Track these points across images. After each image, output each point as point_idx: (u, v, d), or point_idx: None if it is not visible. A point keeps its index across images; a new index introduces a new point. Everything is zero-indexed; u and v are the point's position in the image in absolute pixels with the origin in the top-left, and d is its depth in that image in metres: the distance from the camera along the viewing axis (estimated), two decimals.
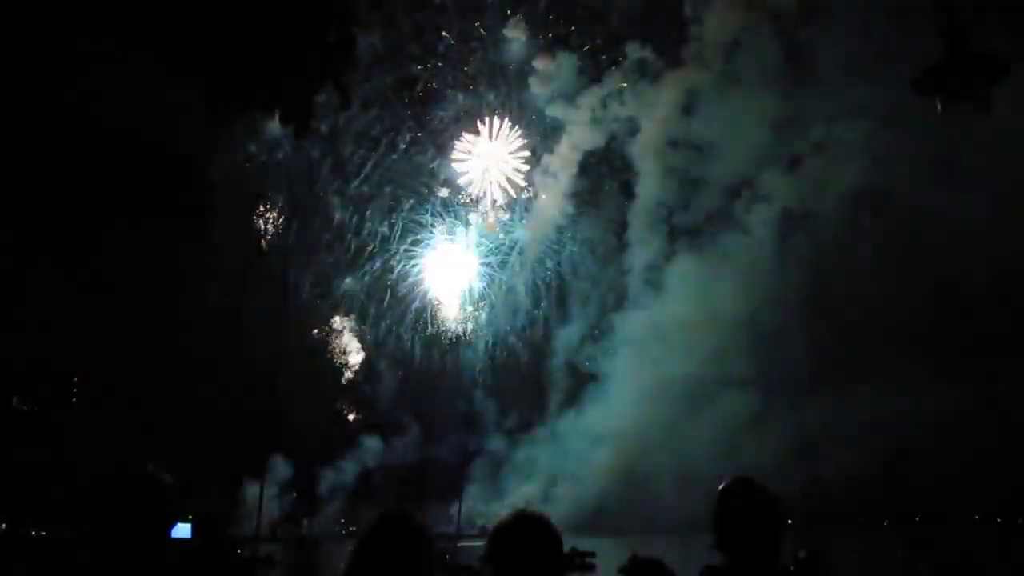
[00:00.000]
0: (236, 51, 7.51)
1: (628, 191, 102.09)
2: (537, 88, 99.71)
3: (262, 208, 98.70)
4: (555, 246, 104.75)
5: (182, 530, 3.53)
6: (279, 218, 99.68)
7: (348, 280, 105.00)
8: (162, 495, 3.31)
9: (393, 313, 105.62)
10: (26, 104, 7.83)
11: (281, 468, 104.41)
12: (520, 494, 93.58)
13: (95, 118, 8.17)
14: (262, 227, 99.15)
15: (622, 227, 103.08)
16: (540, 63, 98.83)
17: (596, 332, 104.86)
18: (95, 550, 3.21)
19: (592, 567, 63.61)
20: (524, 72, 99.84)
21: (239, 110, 8.17)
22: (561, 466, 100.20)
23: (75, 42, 7.54)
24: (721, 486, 3.79)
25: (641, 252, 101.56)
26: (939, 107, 6.44)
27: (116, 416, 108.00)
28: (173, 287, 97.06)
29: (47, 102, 7.83)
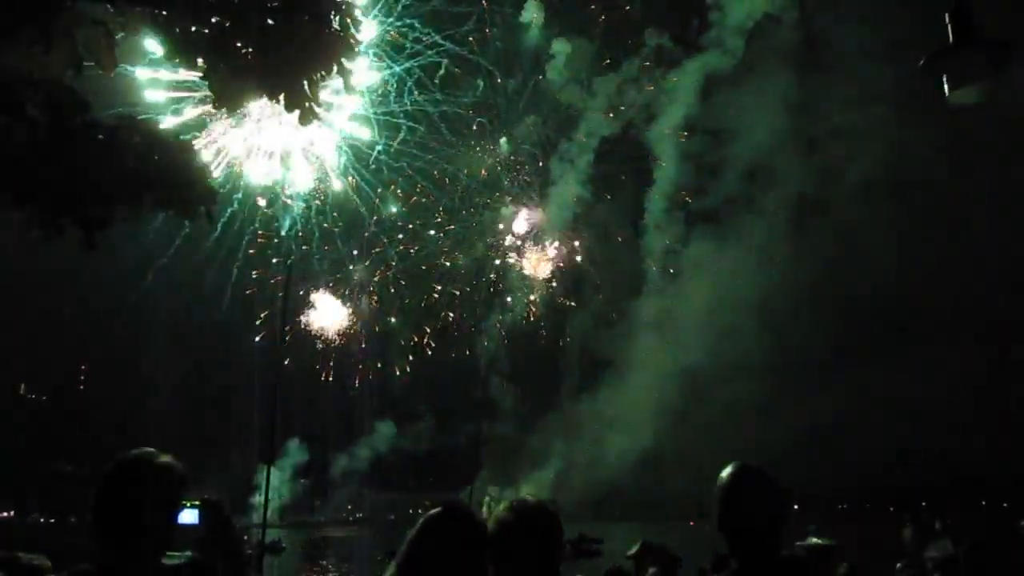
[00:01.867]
0: (240, 36, 7.51)
1: (645, 176, 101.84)
2: (554, 74, 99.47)
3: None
4: (571, 232, 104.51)
5: (189, 515, 3.51)
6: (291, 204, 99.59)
7: (362, 267, 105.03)
8: (168, 480, 3.31)
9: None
10: (33, 94, 7.83)
11: (296, 453, 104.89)
12: (533, 480, 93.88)
13: (100, 107, 8.17)
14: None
15: (639, 212, 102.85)
16: (557, 49, 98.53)
17: (612, 317, 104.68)
18: (102, 536, 3.21)
19: (599, 553, 63.85)
20: (541, 58, 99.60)
21: (244, 95, 8.17)
22: (574, 452, 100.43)
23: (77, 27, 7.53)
24: (724, 472, 3.79)
25: (658, 237, 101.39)
26: (946, 91, 6.40)
27: (127, 403, 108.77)
28: (182, 274, 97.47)
29: (49, 90, 7.83)
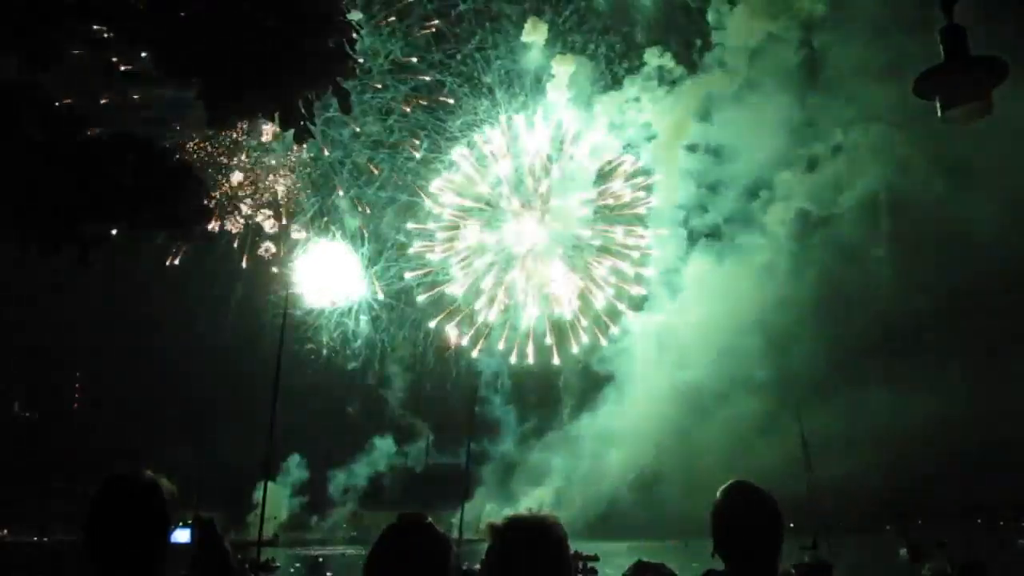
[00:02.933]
0: (235, 56, 7.52)
1: (646, 194, 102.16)
2: (554, 94, 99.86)
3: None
4: (571, 251, 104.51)
5: (182, 534, 3.48)
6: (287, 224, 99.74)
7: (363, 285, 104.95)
8: (160, 500, 3.28)
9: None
10: (30, 111, 7.84)
11: (296, 470, 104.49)
12: (532, 497, 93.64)
13: (96, 125, 8.18)
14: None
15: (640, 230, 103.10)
16: (558, 68, 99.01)
17: (612, 334, 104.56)
18: (95, 556, 3.18)
19: (594, 571, 63.58)
20: (542, 78, 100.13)
21: (238, 114, 8.17)
22: (573, 469, 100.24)
23: (75, 49, 7.55)
24: (720, 490, 3.80)
25: (659, 254, 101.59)
26: (939, 110, 6.42)
27: (123, 421, 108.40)
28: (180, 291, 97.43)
29: (49, 109, 7.84)
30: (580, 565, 63.41)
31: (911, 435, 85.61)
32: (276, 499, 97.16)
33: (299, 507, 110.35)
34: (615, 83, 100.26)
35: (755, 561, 3.63)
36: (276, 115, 7.88)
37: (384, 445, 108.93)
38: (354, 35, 8.01)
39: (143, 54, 7.95)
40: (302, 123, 7.90)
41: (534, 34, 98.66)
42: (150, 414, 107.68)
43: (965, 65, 6.30)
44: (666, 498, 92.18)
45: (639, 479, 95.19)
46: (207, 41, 7.46)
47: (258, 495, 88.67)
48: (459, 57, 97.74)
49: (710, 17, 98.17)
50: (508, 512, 3.27)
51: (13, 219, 7.90)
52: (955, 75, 6.35)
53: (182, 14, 7.60)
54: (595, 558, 65.99)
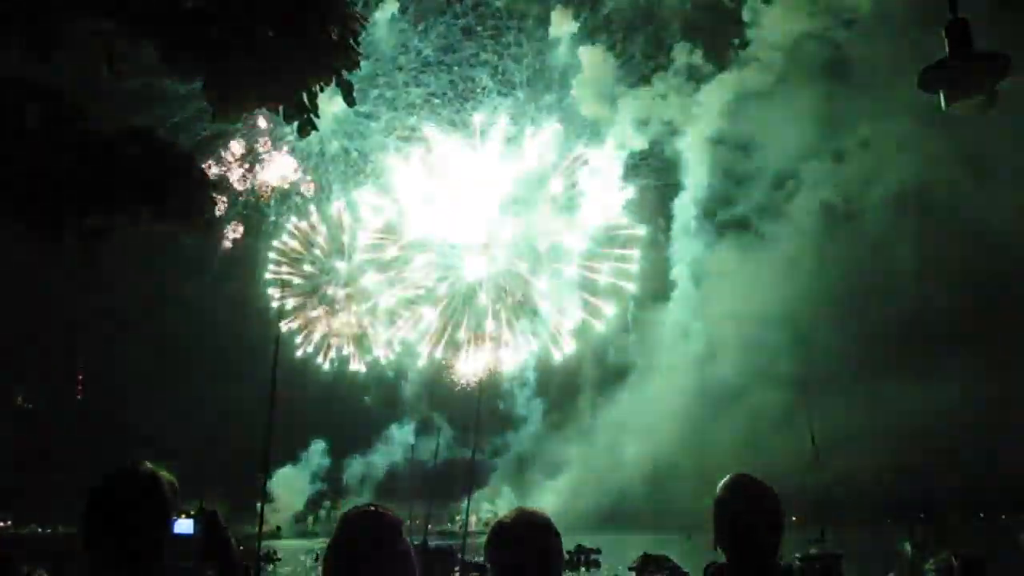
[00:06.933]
0: (238, 47, 7.51)
1: (673, 188, 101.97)
2: (583, 89, 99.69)
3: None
4: (599, 245, 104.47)
5: (185, 526, 3.50)
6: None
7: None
8: (160, 493, 3.29)
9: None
10: (28, 101, 7.84)
11: (318, 457, 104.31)
12: (547, 489, 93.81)
13: (95, 115, 8.18)
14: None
15: (667, 222, 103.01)
16: (586, 64, 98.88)
17: (635, 326, 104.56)
18: (95, 548, 3.19)
19: (596, 564, 63.78)
20: (570, 73, 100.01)
21: (242, 107, 8.15)
22: (589, 461, 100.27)
23: (75, 37, 7.54)
24: (721, 483, 3.82)
25: (685, 247, 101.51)
26: (943, 103, 6.43)
27: (134, 410, 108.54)
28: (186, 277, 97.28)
29: (48, 99, 7.83)
30: (583, 557, 63.60)
31: (921, 429, 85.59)
32: (293, 487, 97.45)
33: (317, 495, 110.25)
34: (645, 79, 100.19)
35: (755, 554, 3.65)
36: (280, 108, 7.86)
37: (402, 435, 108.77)
38: (359, 26, 7.98)
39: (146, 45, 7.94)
40: (306, 116, 7.88)
41: (562, 28, 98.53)
42: (158, 404, 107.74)
43: (968, 59, 6.30)
44: (677, 491, 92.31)
45: (652, 472, 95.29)
46: (210, 32, 7.45)
47: (271, 483, 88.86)
48: (489, 50, 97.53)
49: (745, 16, 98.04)
50: (517, 504, 3.31)
51: (14, 213, 7.91)
52: (958, 69, 6.35)
53: (185, 5, 7.59)
54: (598, 550, 66.10)
